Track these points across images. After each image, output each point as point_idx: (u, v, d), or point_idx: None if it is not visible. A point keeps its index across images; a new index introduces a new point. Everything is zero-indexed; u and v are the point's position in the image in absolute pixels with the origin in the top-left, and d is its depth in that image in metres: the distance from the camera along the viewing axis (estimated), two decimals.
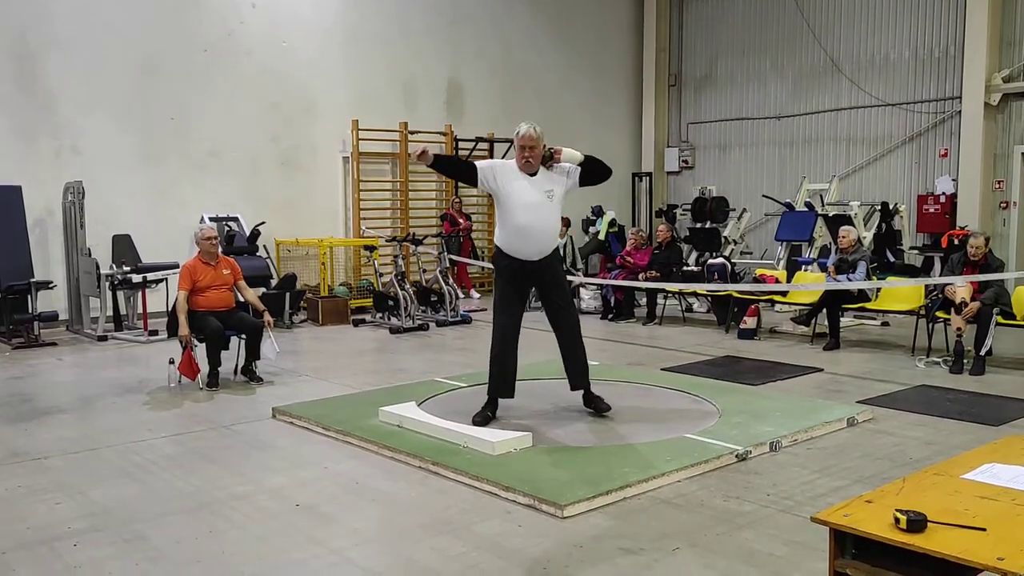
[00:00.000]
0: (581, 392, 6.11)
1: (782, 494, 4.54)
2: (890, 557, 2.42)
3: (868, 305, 9.22)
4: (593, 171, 5.77)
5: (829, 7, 14.04)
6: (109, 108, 10.82)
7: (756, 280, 10.59)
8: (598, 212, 13.92)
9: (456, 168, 6.67)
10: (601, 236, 14.00)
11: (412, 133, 13.18)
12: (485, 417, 5.82)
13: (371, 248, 11.64)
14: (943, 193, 12.67)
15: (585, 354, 6.04)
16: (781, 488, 4.63)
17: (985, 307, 7.61)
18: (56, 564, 3.80)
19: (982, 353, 7.58)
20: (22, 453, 5.44)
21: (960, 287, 7.70)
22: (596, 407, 6.04)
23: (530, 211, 5.63)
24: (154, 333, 9.54)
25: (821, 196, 12.40)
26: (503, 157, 14.04)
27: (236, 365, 7.55)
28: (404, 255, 11.12)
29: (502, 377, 5.87)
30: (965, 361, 7.60)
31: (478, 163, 5.90)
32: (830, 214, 11.58)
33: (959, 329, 7.60)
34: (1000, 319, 7.76)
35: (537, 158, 5.64)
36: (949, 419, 6.03)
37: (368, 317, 11.01)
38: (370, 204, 13.14)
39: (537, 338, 9.21)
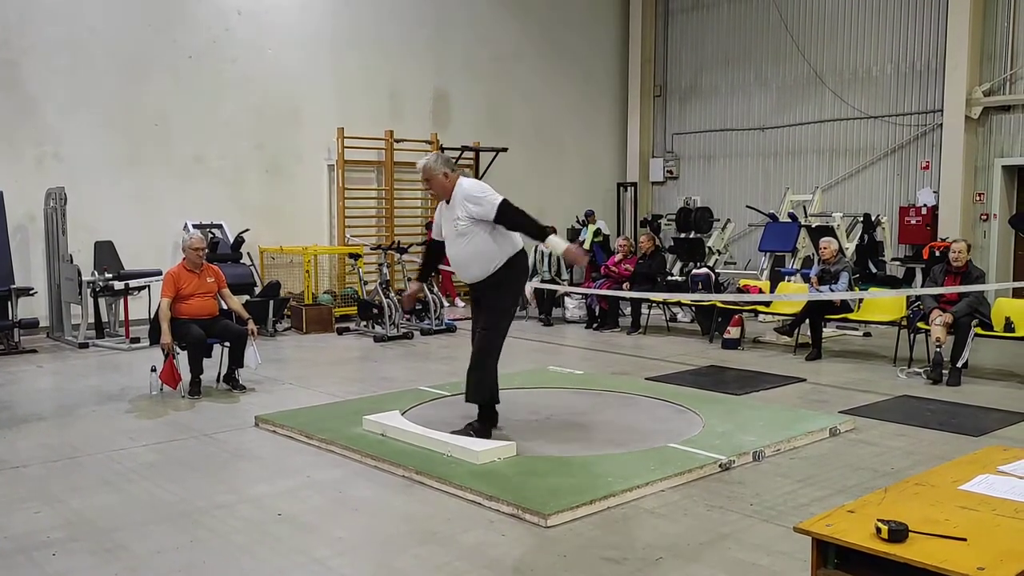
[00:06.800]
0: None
1: (765, 504, 4.56)
2: (872, 567, 2.43)
3: (850, 316, 9.27)
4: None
5: (813, 21, 14.16)
6: (92, 114, 10.74)
7: (740, 290, 10.63)
8: (588, 215, 13.76)
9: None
10: (586, 245, 13.99)
11: (398, 142, 13.18)
12: (488, 432, 5.65)
13: (356, 256, 11.60)
14: (925, 205, 12.79)
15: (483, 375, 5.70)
16: (764, 498, 4.65)
17: (961, 319, 7.67)
18: (34, 573, 3.76)
19: (959, 365, 7.64)
20: (1, 461, 5.38)
21: (938, 325, 7.74)
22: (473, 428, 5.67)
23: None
24: (136, 341, 9.47)
25: (804, 207, 12.47)
26: (488, 166, 14.11)
27: (219, 373, 7.50)
28: (389, 263, 11.09)
29: (497, 384, 5.71)
30: (944, 372, 7.66)
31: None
32: (813, 225, 11.65)
33: (938, 339, 7.67)
34: (979, 330, 7.83)
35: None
36: (930, 429, 6.08)
37: (352, 325, 10.98)
38: (355, 212, 13.11)
39: (521, 347, 9.23)
